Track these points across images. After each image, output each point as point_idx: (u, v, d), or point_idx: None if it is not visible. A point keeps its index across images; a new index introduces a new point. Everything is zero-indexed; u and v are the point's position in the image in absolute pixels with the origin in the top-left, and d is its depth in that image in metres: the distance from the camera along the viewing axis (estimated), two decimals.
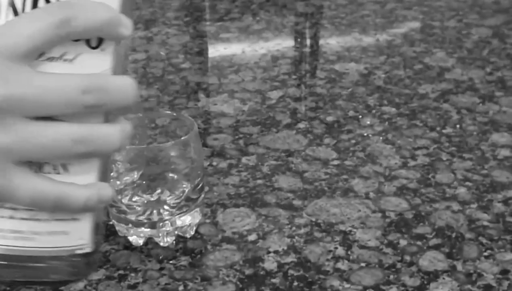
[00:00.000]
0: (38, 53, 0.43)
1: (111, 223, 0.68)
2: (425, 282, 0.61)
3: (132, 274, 0.63)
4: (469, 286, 0.61)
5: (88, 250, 0.48)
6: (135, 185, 0.65)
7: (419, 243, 0.67)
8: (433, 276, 0.62)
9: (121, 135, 0.45)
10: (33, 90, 0.42)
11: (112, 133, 0.44)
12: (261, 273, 0.63)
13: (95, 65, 0.44)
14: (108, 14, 0.43)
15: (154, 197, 0.65)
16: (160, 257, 0.65)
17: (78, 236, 0.47)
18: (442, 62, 1.10)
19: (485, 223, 0.69)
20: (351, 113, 0.93)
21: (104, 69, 0.44)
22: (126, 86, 0.44)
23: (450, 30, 1.24)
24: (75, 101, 0.42)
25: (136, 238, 0.66)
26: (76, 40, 0.43)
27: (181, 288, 0.61)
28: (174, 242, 0.67)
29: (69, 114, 0.43)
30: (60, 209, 0.45)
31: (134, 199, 0.65)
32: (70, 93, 0.42)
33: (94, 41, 0.44)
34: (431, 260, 0.64)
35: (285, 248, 0.66)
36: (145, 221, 0.65)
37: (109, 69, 0.44)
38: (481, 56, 1.12)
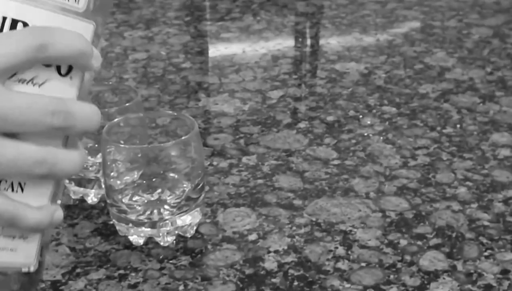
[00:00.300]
0: (12, 73, 0.44)
1: (111, 222, 0.68)
2: (425, 282, 0.61)
3: (133, 274, 0.63)
4: (469, 286, 0.61)
5: (32, 269, 0.48)
6: (136, 184, 0.65)
7: (419, 242, 0.67)
8: (434, 276, 0.62)
9: (80, 161, 0.46)
10: (4, 106, 0.43)
11: (72, 158, 0.46)
12: (262, 272, 0.63)
13: (62, 92, 0.45)
14: (84, 45, 0.44)
15: (154, 197, 0.65)
16: (161, 257, 0.65)
17: (25, 254, 0.48)
18: (443, 62, 1.10)
19: (486, 223, 0.69)
20: (351, 113, 0.93)
21: (70, 97, 0.46)
22: (91, 113, 0.45)
23: (451, 30, 1.24)
24: (43, 122, 0.43)
25: (137, 238, 0.66)
26: (47, 66, 0.44)
27: (181, 287, 0.61)
28: (174, 241, 0.67)
29: (33, 134, 0.44)
30: (12, 227, 0.46)
31: (134, 199, 0.65)
32: (39, 113, 0.43)
33: (64, 69, 0.45)
34: (431, 260, 0.64)
35: (286, 247, 0.66)
36: (146, 220, 0.65)
37: (74, 97, 0.46)
38: (482, 56, 1.12)
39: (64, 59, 0.44)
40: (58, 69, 0.45)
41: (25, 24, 0.44)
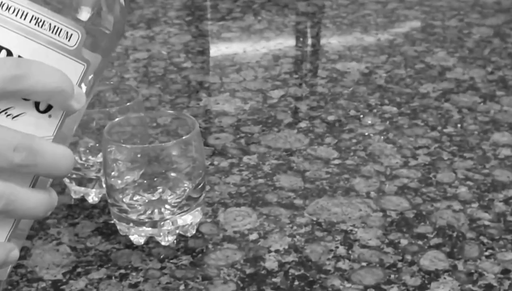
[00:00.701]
0: None
1: (112, 222, 0.68)
2: (426, 282, 0.61)
3: (133, 273, 0.63)
4: (470, 286, 0.61)
5: None
6: (137, 184, 0.65)
7: (420, 242, 0.67)
8: (434, 275, 0.62)
9: (44, 205, 0.44)
10: None
11: (36, 199, 0.43)
12: (262, 272, 0.63)
13: (37, 129, 0.43)
14: (62, 84, 0.42)
15: (155, 196, 0.65)
16: (161, 256, 0.65)
17: None
18: (443, 62, 1.10)
19: (486, 223, 0.69)
20: (352, 112, 0.94)
21: (46, 136, 0.43)
22: (61, 157, 0.43)
23: (451, 30, 1.24)
24: (4, 156, 0.41)
25: (137, 237, 0.66)
26: (26, 99, 0.42)
27: (182, 287, 0.61)
28: (175, 241, 0.67)
29: None
30: None
31: (135, 198, 0.65)
32: (1, 146, 0.41)
33: (43, 105, 0.43)
34: (432, 259, 0.64)
35: (286, 247, 0.66)
36: (146, 220, 0.65)
37: (51, 137, 0.43)
38: (482, 55, 1.12)
39: (39, 94, 0.42)
40: (37, 105, 0.43)
41: (9, 53, 0.42)
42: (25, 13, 0.42)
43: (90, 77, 0.45)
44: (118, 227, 0.67)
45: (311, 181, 0.77)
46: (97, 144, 0.72)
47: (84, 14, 0.43)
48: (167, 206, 0.65)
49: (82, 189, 0.73)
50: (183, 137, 0.65)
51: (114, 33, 0.45)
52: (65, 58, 0.43)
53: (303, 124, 0.91)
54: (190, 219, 0.66)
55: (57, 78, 0.42)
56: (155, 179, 0.65)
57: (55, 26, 0.42)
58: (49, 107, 0.43)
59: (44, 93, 0.42)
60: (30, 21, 0.42)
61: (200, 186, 0.66)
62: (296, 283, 0.62)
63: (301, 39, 1.26)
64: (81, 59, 0.44)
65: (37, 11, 0.42)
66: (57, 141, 0.44)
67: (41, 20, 0.42)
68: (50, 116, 0.43)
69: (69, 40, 0.43)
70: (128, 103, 0.72)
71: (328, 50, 1.16)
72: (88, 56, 0.44)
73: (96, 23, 0.44)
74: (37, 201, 0.43)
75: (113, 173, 0.65)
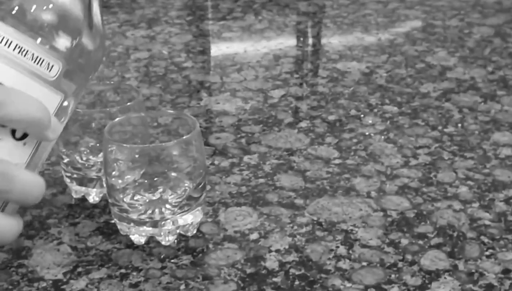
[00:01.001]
0: None
1: (113, 221, 0.68)
2: (427, 282, 0.61)
3: (134, 273, 0.63)
4: (470, 286, 0.61)
5: None
6: (137, 183, 0.65)
7: (420, 242, 0.67)
8: (435, 275, 0.62)
9: (13, 230, 0.44)
10: None
11: (4, 225, 0.44)
12: (263, 272, 0.63)
13: (11, 155, 0.43)
14: (40, 115, 0.42)
15: (156, 196, 0.65)
16: (162, 256, 0.65)
17: None
18: (444, 61, 1.10)
19: (487, 222, 0.69)
20: (353, 112, 0.94)
21: (20, 163, 0.44)
22: (32, 184, 0.43)
23: (452, 29, 1.24)
24: None
25: (138, 237, 0.66)
26: (3, 126, 0.43)
27: (182, 287, 0.61)
28: (175, 240, 0.67)
29: None
30: None
31: (136, 198, 0.65)
32: None
33: (19, 133, 0.43)
34: (433, 259, 0.64)
35: (287, 247, 0.66)
36: (147, 219, 0.65)
37: (24, 164, 0.44)
38: (483, 55, 1.12)
39: (16, 122, 0.42)
40: (14, 132, 0.43)
41: None
42: (9, 42, 0.42)
43: (65, 106, 0.45)
44: (119, 227, 0.67)
45: (311, 180, 0.77)
46: (98, 144, 0.72)
47: (64, 44, 0.44)
48: (167, 206, 0.65)
49: (83, 188, 0.73)
50: (184, 137, 0.65)
51: (92, 64, 0.46)
52: (44, 89, 0.44)
53: (303, 124, 0.91)
54: (190, 219, 0.66)
55: (35, 108, 0.42)
56: (156, 179, 0.65)
57: (37, 57, 0.43)
58: (24, 135, 0.44)
59: (22, 122, 0.42)
60: (13, 50, 0.42)
61: (200, 186, 0.66)
62: (297, 283, 0.62)
63: (302, 39, 1.26)
64: (60, 89, 0.44)
65: (21, 40, 0.42)
66: (30, 169, 0.45)
67: (24, 50, 0.43)
68: (25, 144, 0.44)
69: (49, 71, 0.43)
70: (128, 103, 0.72)
71: (328, 50, 1.16)
72: (65, 86, 0.45)
73: (76, 54, 0.44)
74: (6, 226, 0.44)
75: (113, 173, 0.65)
